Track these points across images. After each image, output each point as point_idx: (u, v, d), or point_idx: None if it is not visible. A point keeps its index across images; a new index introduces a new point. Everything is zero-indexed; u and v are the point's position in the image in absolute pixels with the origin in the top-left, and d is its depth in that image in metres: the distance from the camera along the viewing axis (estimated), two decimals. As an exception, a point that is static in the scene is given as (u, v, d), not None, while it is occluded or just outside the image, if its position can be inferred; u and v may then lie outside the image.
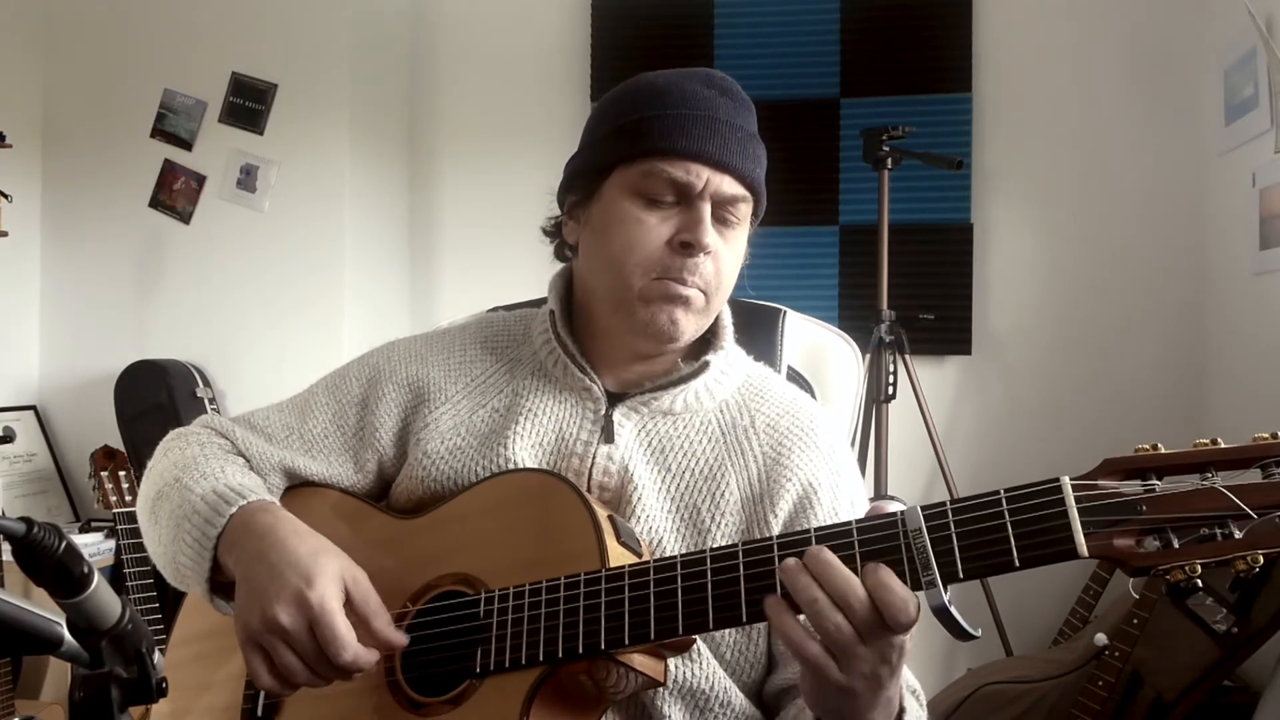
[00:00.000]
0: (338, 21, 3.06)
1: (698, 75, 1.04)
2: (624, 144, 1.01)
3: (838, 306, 3.10)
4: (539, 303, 1.16)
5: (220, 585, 0.99)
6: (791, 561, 0.79)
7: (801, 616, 0.79)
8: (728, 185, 0.99)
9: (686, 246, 0.99)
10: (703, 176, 0.98)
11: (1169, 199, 2.97)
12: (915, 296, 2.97)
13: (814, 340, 1.34)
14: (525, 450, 1.03)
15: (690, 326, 1.03)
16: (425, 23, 3.37)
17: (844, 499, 1.06)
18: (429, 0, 3.37)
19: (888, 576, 0.77)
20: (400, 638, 0.93)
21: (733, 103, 1.02)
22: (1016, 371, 3.07)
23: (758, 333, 1.26)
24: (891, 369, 2.70)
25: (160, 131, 3.15)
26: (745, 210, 1.03)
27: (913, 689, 1.02)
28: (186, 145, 3.13)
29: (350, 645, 0.88)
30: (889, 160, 2.71)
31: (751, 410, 1.08)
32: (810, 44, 3.12)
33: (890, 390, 2.70)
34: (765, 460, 1.04)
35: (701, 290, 1.01)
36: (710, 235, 0.99)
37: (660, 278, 1.00)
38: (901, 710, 0.87)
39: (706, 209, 0.99)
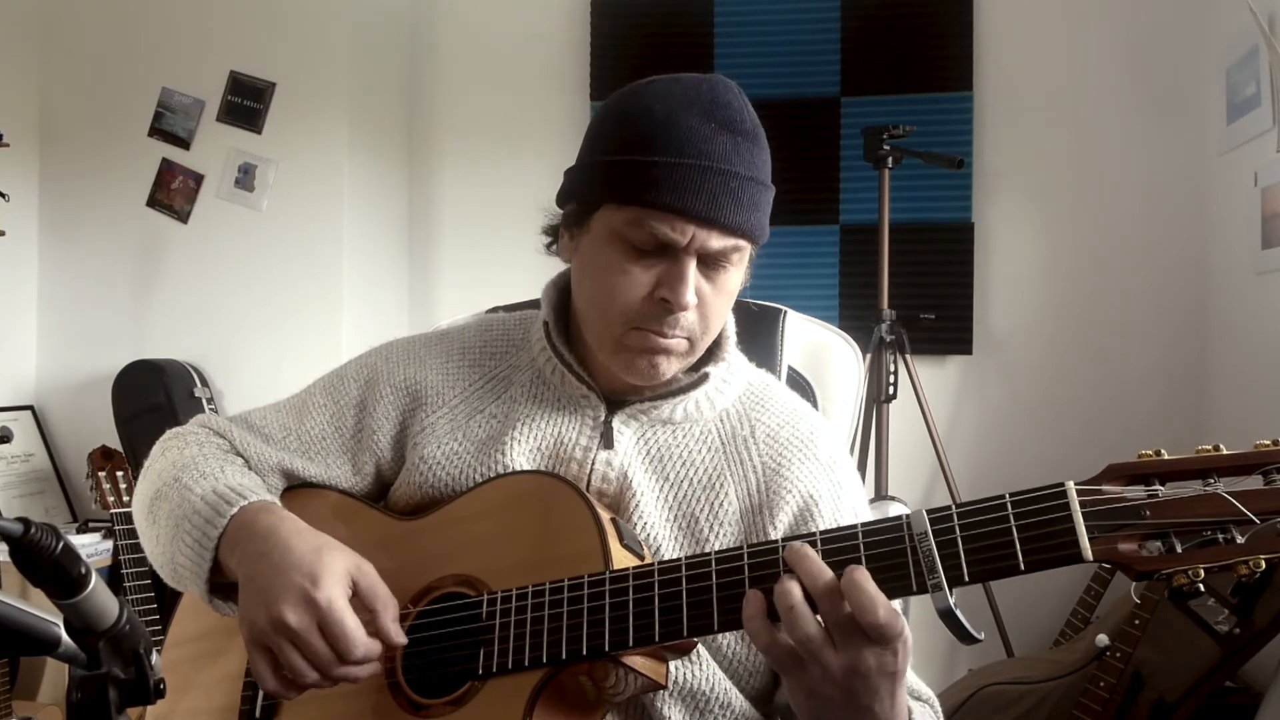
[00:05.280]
0: (337, 20, 3.05)
1: (700, 102, 0.95)
2: (611, 185, 0.96)
3: (838, 306, 3.09)
4: (539, 303, 1.14)
5: (219, 586, 0.98)
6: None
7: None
8: (715, 240, 0.94)
9: (666, 302, 0.96)
10: (687, 233, 0.93)
11: (1171, 198, 2.96)
12: (916, 296, 2.97)
13: (814, 340, 1.34)
14: (523, 456, 1.03)
15: (673, 369, 1.01)
16: (425, 22, 3.37)
17: (846, 510, 1.05)
18: (429, 0, 3.36)
19: (862, 577, 0.77)
20: (401, 636, 0.92)
21: (732, 139, 0.95)
22: (1017, 371, 3.06)
23: (758, 333, 1.25)
24: (892, 369, 2.70)
25: (158, 130, 3.14)
26: (738, 255, 0.98)
27: (925, 698, 1.01)
28: (184, 144, 3.13)
29: (362, 642, 0.88)
30: (890, 159, 2.70)
31: (752, 420, 1.07)
32: (810, 43, 3.12)
33: (891, 390, 2.70)
34: (764, 471, 1.03)
35: (685, 338, 0.99)
36: (691, 292, 0.95)
37: (640, 328, 0.98)
38: None
39: (690, 264, 0.95)
